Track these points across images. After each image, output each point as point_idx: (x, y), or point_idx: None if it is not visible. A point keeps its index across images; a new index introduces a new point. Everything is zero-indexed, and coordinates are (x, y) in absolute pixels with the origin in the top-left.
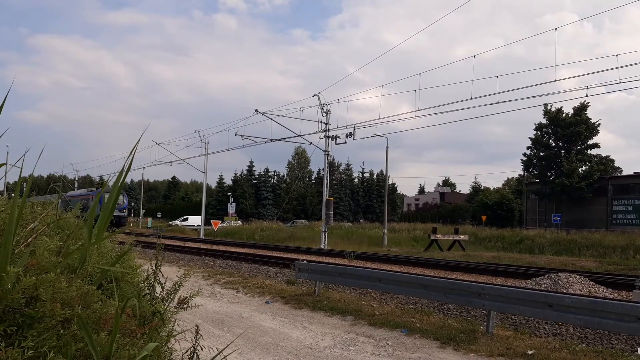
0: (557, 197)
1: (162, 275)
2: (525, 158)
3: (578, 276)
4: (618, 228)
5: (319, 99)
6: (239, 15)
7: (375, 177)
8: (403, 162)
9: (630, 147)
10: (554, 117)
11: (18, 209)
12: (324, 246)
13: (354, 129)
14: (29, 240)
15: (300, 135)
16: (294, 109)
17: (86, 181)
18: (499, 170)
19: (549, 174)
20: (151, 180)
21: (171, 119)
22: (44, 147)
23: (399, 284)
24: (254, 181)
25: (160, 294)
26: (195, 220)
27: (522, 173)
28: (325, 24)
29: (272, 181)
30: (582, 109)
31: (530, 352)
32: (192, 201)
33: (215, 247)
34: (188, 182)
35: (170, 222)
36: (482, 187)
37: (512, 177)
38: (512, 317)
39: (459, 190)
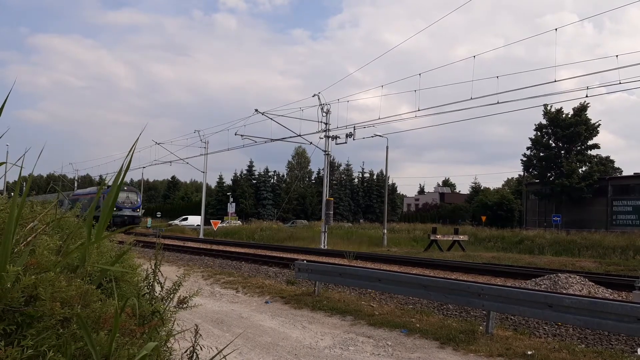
0: (557, 198)
1: (162, 274)
2: (525, 158)
3: (578, 277)
4: (618, 229)
5: (319, 99)
6: (239, 15)
7: (375, 177)
8: (403, 162)
9: (631, 147)
10: (554, 118)
11: (18, 208)
12: (324, 246)
13: (354, 129)
14: (28, 240)
15: (300, 135)
16: (294, 109)
17: (86, 180)
18: (499, 170)
19: (548, 174)
20: (151, 179)
21: (171, 119)
22: (43, 146)
23: (398, 284)
24: (254, 181)
25: (159, 294)
26: (194, 220)
27: (522, 173)
28: (325, 24)
29: (272, 181)
30: (582, 109)
31: (529, 353)
32: (191, 201)
33: (214, 246)
34: (188, 181)
35: (170, 222)
36: (482, 188)
37: (512, 178)
38: (512, 317)
39: (459, 191)
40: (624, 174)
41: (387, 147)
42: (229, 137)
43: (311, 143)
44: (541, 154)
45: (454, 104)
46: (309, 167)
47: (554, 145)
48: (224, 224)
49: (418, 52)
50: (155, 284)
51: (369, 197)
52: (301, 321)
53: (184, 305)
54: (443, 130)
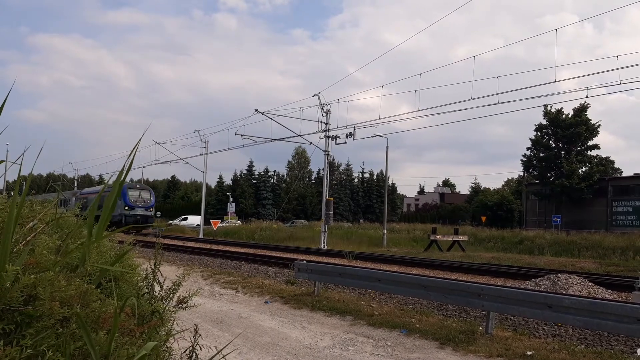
0: (556, 198)
1: (161, 274)
2: (525, 159)
3: (577, 277)
4: (618, 229)
5: (319, 99)
6: (239, 15)
7: (375, 177)
8: (403, 162)
9: (631, 148)
10: (554, 118)
11: (17, 207)
12: (324, 246)
13: (354, 129)
14: (28, 239)
15: (300, 135)
16: (294, 108)
17: (85, 180)
18: (499, 170)
19: (548, 174)
20: (151, 179)
21: (171, 119)
22: (43, 145)
23: (398, 284)
24: (254, 181)
25: (159, 294)
26: (194, 219)
27: (522, 174)
28: (325, 24)
29: (271, 181)
30: (582, 110)
31: (529, 353)
32: (191, 201)
33: (214, 246)
34: (188, 181)
35: (170, 222)
36: (482, 188)
37: (512, 178)
38: (512, 317)
39: (459, 191)
40: (624, 174)
41: (387, 147)
42: (229, 137)
43: (311, 143)
44: (541, 155)
45: (454, 104)
46: (309, 167)
47: (554, 145)
48: (224, 224)
49: (418, 52)
50: (155, 283)
51: (368, 197)
52: (301, 321)
53: (184, 305)
54: (443, 131)
